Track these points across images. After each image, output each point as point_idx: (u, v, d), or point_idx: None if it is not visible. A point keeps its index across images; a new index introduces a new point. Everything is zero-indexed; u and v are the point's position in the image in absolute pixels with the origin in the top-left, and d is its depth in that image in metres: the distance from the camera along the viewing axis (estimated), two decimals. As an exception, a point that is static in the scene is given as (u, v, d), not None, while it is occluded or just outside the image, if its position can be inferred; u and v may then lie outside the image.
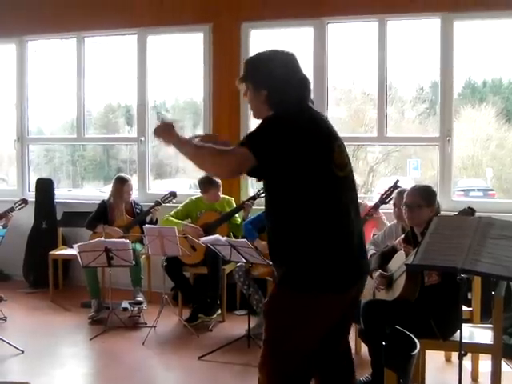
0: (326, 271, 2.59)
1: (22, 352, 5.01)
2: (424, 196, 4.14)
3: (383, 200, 5.46)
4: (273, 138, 2.56)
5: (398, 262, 4.13)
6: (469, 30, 6.35)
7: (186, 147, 2.72)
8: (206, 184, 6.05)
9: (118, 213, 6.45)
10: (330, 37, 6.56)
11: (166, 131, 2.77)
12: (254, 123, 6.94)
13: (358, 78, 7.13)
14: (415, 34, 6.61)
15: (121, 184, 6.45)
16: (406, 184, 5.63)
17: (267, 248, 5.49)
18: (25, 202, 6.68)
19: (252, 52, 6.78)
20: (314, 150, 2.59)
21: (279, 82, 2.71)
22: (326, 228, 2.61)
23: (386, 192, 5.48)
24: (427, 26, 6.43)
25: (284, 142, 2.55)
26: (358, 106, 7.49)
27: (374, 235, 5.30)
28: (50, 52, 7.98)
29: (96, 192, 8.28)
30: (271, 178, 2.66)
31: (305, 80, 2.79)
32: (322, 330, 2.70)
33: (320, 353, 2.79)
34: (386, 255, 4.31)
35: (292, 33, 6.91)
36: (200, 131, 7.43)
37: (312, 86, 2.89)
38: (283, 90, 2.71)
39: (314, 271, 2.59)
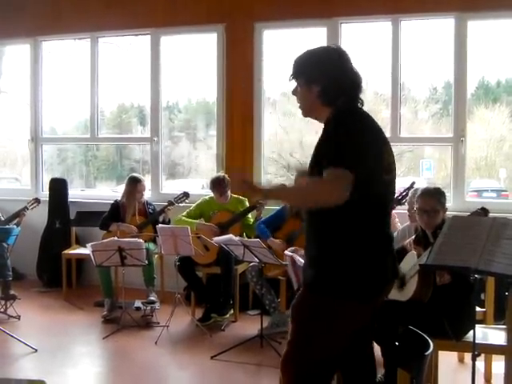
0: (359, 278, 2.56)
1: (36, 350, 5.04)
2: (440, 200, 4.13)
3: (398, 201, 5.44)
4: (357, 146, 2.50)
5: (409, 263, 4.11)
6: (482, 29, 6.32)
7: (291, 194, 2.70)
8: (213, 184, 6.09)
9: (131, 212, 6.47)
10: (343, 37, 6.56)
11: (254, 190, 2.74)
12: (267, 123, 6.96)
13: (371, 78, 7.12)
14: (429, 33, 6.58)
15: (134, 184, 6.47)
16: (421, 185, 5.62)
17: (280, 247, 5.53)
18: (38, 201, 6.74)
19: (265, 52, 6.81)
20: (374, 151, 2.56)
21: (333, 77, 2.67)
22: (367, 233, 2.58)
23: (401, 193, 5.46)
24: (441, 26, 6.41)
25: (365, 143, 2.53)
26: (370, 107, 7.46)
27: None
28: (64, 52, 8.02)
29: (109, 192, 8.30)
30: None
31: (357, 75, 2.73)
32: (346, 337, 2.67)
33: (343, 358, 2.78)
34: (396, 255, 4.29)
35: (305, 33, 6.90)
36: (213, 131, 7.45)
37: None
38: (338, 85, 2.66)
39: (346, 277, 2.56)
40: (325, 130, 2.65)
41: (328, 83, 2.66)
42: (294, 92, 2.80)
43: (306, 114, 2.80)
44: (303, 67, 2.75)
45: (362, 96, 2.74)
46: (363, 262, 2.57)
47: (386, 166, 2.63)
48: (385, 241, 2.68)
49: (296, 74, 2.77)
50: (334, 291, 2.58)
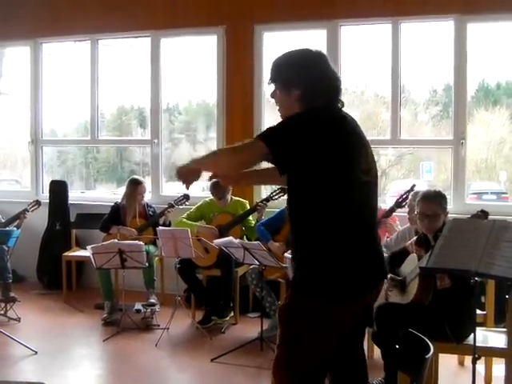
0: (342, 276, 2.57)
1: (36, 353, 5.05)
2: (442, 204, 4.13)
3: (399, 204, 5.45)
4: (293, 135, 2.51)
5: (410, 266, 4.11)
6: (482, 32, 6.32)
7: (203, 160, 2.70)
8: (212, 188, 6.09)
9: (131, 215, 6.47)
10: (342, 39, 6.56)
11: (187, 170, 2.74)
12: (267, 125, 6.95)
13: (371, 80, 7.12)
14: (429, 36, 6.59)
15: (134, 186, 6.46)
16: (421, 187, 5.62)
17: (280, 249, 5.53)
18: (38, 203, 6.74)
19: (265, 54, 6.82)
20: (337, 153, 2.53)
21: (311, 80, 2.66)
22: (347, 232, 2.58)
23: (401, 196, 5.46)
24: (441, 29, 6.41)
25: (304, 140, 2.50)
26: (370, 109, 7.47)
27: (387, 238, 5.29)
28: (64, 54, 8.02)
29: (109, 194, 8.30)
30: (291, 176, 2.62)
31: (336, 77, 2.72)
32: (335, 336, 2.67)
33: (334, 359, 2.77)
34: (397, 257, 4.28)
35: (305, 35, 6.90)
36: (213, 133, 7.46)
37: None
38: (316, 88, 2.65)
39: (329, 276, 2.57)
40: None
41: (306, 86, 2.66)
42: (273, 95, 2.79)
43: (283, 117, 2.76)
44: (281, 71, 2.74)
45: (343, 98, 2.74)
46: (344, 260, 2.57)
47: (363, 169, 2.62)
48: (368, 240, 2.68)
49: (274, 78, 2.76)
50: (317, 290, 2.58)
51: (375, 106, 7.50)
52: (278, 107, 2.79)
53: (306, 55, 2.77)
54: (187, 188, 2.81)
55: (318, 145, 2.51)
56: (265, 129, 2.59)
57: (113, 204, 6.59)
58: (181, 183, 2.78)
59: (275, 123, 2.59)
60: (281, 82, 2.73)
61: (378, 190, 2.81)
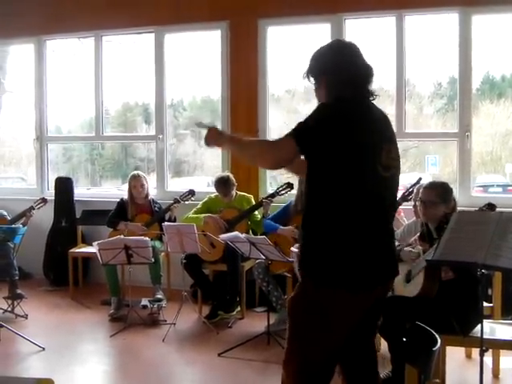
0: (352, 268, 2.58)
1: (43, 349, 5.06)
2: (439, 193, 4.13)
3: (405, 197, 5.44)
4: (319, 132, 2.55)
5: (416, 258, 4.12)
6: (487, 24, 6.29)
7: (236, 143, 2.82)
8: (217, 184, 6.12)
9: (134, 210, 6.48)
10: (347, 33, 6.55)
11: (216, 136, 2.83)
12: (272, 120, 6.96)
13: (375, 73, 7.10)
14: (433, 28, 6.56)
15: (131, 179, 6.55)
16: (427, 180, 5.61)
17: (293, 232, 5.50)
18: (44, 201, 6.74)
19: (269, 49, 6.80)
20: (357, 147, 2.55)
21: (338, 69, 2.69)
22: (362, 225, 2.60)
23: (408, 189, 5.46)
24: (445, 21, 6.39)
25: (328, 136, 2.54)
26: (375, 103, 7.42)
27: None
28: (68, 51, 8.03)
29: (114, 190, 8.31)
30: (312, 168, 2.65)
31: (364, 67, 2.74)
32: (344, 328, 2.68)
33: (345, 351, 2.78)
34: None
35: (309, 29, 6.88)
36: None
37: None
38: (342, 76, 2.68)
39: (339, 267, 2.58)
40: None
41: (333, 74, 2.69)
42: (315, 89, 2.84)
43: None
44: (312, 62, 2.79)
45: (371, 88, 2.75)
46: (358, 253, 2.58)
47: (384, 165, 2.62)
48: (383, 235, 2.69)
49: (308, 70, 2.81)
50: (324, 281, 2.59)
51: (379, 100, 7.48)
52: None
53: (334, 45, 2.84)
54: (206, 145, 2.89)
55: (339, 139, 2.54)
56: (295, 125, 2.61)
57: (118, 200, 6.59)
58: (204, 141, 2.88)
59: (305, 120, 2.61)
60: (312, 73, 2.79)
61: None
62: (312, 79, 2.79)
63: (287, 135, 2.59)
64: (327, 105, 2.66)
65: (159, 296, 6.12)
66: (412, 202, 5.30)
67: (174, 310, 5.73)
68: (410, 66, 6.48)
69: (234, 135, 2.91)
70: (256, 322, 5.69)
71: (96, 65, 7.60)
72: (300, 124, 2.60)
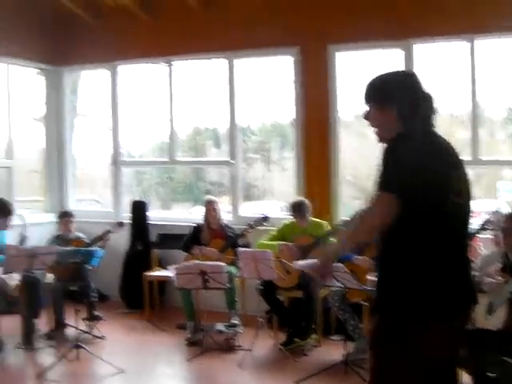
0: (434, 298, 2.54)
1: (122, 371, 5.15)
2: None
3: (483, 227, 5.34)
4: (409, 176, 2.50)
5: (495, 290, 4.05)
6: None
7: (347, 243, 2.83)
8: (293, 209, 6.15)
9: (208, 234, 6.57)
10: (415, 58, 6.50)
11: (327, 263, 2.81)
12: (343, 144, 6.97)
13: (445, 99, 7.03)
14: (504, 52, 6.47)
15: (206, 204, 6.66)
16: (504, 208, 5.52)
17: (366, 263, 5.45)
18: (121, 225, 6.87)
19: (338, 74, 6.83)
20: (437, 181, 2.54)
21: (408, 100, 2.67)
22: (440, 254, 2.57)
23: (487, 220, 5.34)
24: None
25: (417, 176, 2.51)
26: (445, 129, 7.34)
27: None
28: (140, 76, 8.24)
29: (185, 214, 8.44)
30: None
31: (430, 98, 2.72)
32: (429, 362, 2.62)
33: None
34: None
35: (378, 54, 6.89)
36: (287, 153, 7.50)
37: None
38: (414, 108, 2.66)
39: (417, 298, 2.55)
40: (382, 155, 2.63)
41: (403, 105, 2.66)
42: (367, 116, 2.80)
43: (381, 138, 2.77)
44: (376, 89, 2.77)
45: (435, 117, 2.73)
46: (433, 282, 2.55)
47: (455, 189, 2.60)
48: (459, 263, 2.65)
49: (369, 97, 2.78)
50: (404, 312, 2.56)
51: (450, 126, 7.40)
52: (372, 128, 2.80)
53: (400, 75, 2.83)
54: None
55: (423, 177, 2.51)
56: (383, 179, 2.56)
57: (194, 225, 6.69)
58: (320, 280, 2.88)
59: (389, 169, 2.56)
60: (376, 101, 2.75)
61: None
62: (374, 105, 2.75)
63: (383, 191, 2.54)
64: (406, 145, 2.59)
65: (235, 321, 6.15)
66: (490, 231, 5.22)
67: (248, 336, 5.77)
68: (480, 90, 6.38)
69: (335, 243, 2.87)
70: (333, 351, 5.64)
71: (167, 90, 7.77)
72: (389, 177, 2.55)
